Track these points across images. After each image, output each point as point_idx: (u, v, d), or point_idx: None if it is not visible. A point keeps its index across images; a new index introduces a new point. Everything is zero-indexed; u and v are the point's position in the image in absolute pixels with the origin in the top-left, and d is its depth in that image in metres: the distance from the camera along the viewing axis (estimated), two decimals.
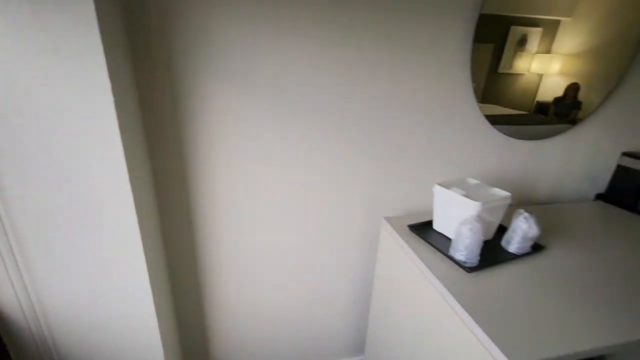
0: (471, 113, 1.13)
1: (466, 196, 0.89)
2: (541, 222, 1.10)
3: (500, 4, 1.02)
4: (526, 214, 0.90)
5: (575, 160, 1.30)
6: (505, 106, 1.28)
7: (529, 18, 1.18)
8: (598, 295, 0.77)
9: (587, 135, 1.26)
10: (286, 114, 0.98)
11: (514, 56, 1.24)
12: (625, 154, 1.25)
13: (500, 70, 1.25)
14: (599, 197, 1.34)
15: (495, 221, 0.94)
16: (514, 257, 0.90)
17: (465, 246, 0.84)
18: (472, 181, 1.01)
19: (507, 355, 0.59)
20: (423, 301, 0.87)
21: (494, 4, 1.01)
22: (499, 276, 0.83)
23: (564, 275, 0.84)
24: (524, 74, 1.25)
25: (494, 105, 1.28)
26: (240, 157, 0.99)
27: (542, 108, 1.23)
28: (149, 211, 0.89)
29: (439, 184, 0.96)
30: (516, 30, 1.25)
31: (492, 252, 0.92)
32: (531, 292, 0.78)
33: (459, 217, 0.86)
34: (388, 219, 1.08)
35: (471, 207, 0.86)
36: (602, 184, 1.35)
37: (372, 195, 1.16)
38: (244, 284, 1.17)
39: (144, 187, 0.85)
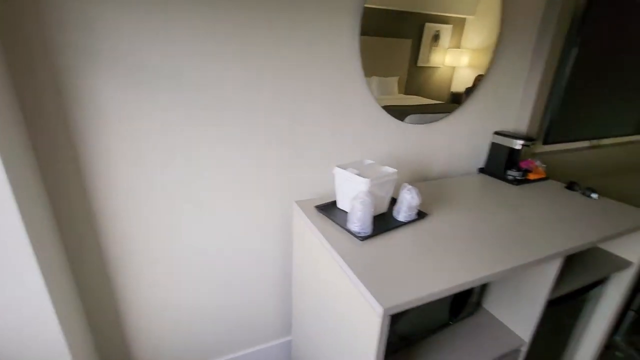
0: (367, 103, 1.25)
1: (359, 174, 1.00)
2: (432, 194, 1.28)
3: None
4: (409, 186, 1.04)
5: (460, 140, 1.52)
6: (425, 97, 1.43)
7: (440, 15, 1.33)
8: (468, 247, 0.94)
9: (467, 118, 1.49)
10: (185, 108, 0.99)
11: (430, 51, 1.38)
12: (496, 133, 1.50)
13: (420, 63, 1.38)
14: (481, 170, 1.59)
15: (386, 195, 1.07)
16: (402, 224, 1.05)
17: (358, 218, 0.95)
18: (368, 162, 1.14)
19: (379, 301, 0.71)
20: (327, 273, 0.97)
21: None
22: (388, 240, 0.96)
23: (442, 234, 1.01)
24: (439, 67, 1.41)
25: (414, 96, 1.43)
26: (140, 151, 0.99)
27: (456, 98, 1.42)
28: (39, 212, 0.84)
29: (337, 166, 1.07)
30: (430, 27, 1.39)
31: (385, 222, 1.05)
32: (412, 250, 0.92)
33: (353, 194, 0.97)
34: (298, 203, 1.17)
35: (362, 184, 0.98)
36: (482, 159, 1.59)
37: (285, 182, 1.23)
38: (159, 280, 1.17)
39: (28, 186, 0.81)
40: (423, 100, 1.41)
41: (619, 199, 1.65)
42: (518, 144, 1.40)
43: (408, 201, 1.04)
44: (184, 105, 0.99)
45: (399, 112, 1.36)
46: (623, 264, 1.26)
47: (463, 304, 1.13)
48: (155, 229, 1.09)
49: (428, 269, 0.84)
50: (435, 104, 1.41)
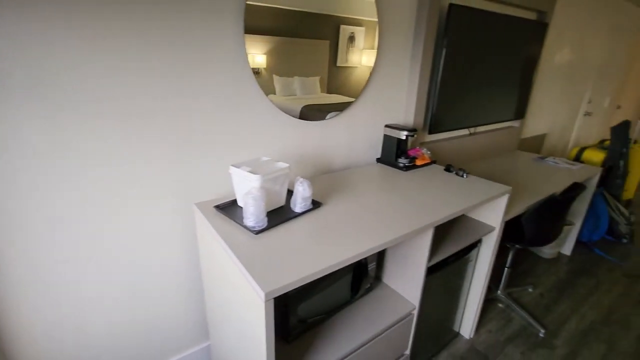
0: (262, 103, 1.30)
1: (251, 172, 1.04)
2: (332, 184, 1.37)
3: None
4: (301, 179, 1.12)
5: (357, 133, 1.66)
6: (345, 95, 1.53)
7: (354, 18, 1.44)
8: (355, 228, 1.05)
9: (361, 113, 1.63)
10: (73, 111, 0.92)
11: (347, 51, 1.48)
12: (386, 126, 1.67)
13: (339, 63, 1.47)
14: (378, 160, 1.76)
15: (281, 189, 1.14)
16: (298, 215, 1.12)
17: (252, 213, 0.99)
18: (264, 159, 1.18)
19: (261, 286, 0.76)
20: (226, 269, 0.99)
21: None
22: (284, 231, 1.02)
23: (333, 220, 1.10)
24: (357, 67, 1.52)
25: (335, 95, 1.52)
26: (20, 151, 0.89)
27: None
28: None
29: (232, 165, 1.09)
30: (345, 29, 1.47)
31: (282, 214, 1.11)
32: (304, 237, 0.99)
33: (247, 190, 1.01)
34: (198, 205, 1.16)
35: (254, 180, 1.02)
36: (378, 150, 1.77)
37: (185, 184, 1.21)
38: (54, 299, 1.07)
39: None
40: (343, 98, 1.53)
41: (485, 177, 1.97)
42: (403, 135, 1.59)
43: (301, 193, 1.11)
44: (70, 109, 0.92)
45: (318, 110, 1.47)
46: (488, 229, 1.52)
47: (360, 282, 1.25)
48: (42, 243, 0.99)
49: (316, 252, 0.92)
50: (351, 101, 1.54)
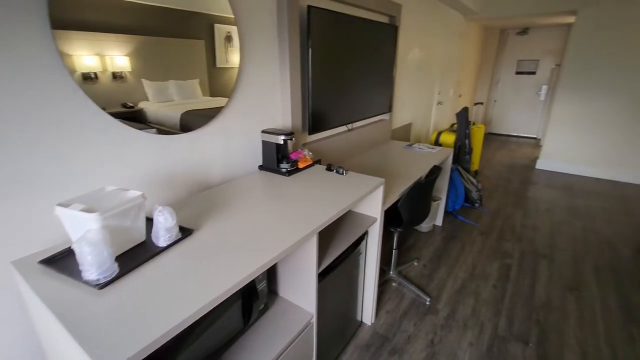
0: (100, 120, 1.05)
1: (85, 210, 0.82)
2: (210, 202, 1.22)
3: None
4: (160, 207, 0.94)
5: (234, 141, 1.53)
6: (230, 97, 1.40)
7: (228, 17, 1.33)
8: (237, 250, 0.93)
9: (235, 118, 1.51)
10: None
11: (226, 52, 1.34)
12: (263, 131, 1.60)
13: (218, 64, 1.35)
14: (260, 167, 1.67)
15: (135, 223, 0.94)
16: (162, 249, 0.94)
17: (90, 264, 0.78)
18: (109, 189, 0.96)
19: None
20: (63, 345, 0.75)
21: None
22: (146, 274, 0.84)
23: (210, 246, 0.96)
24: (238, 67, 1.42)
25: (220, 98, 1.40)
26: None
27: None
28: None
29: (58, 204, 0.84)
30: (221, 28, 1.32)
31: (144, 252, 0.92)
32: (171, 277, 0.83)
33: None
34: (15, 263, 0.87)
35: (90, 220, 0.81)
36: (260, 157, 1.68)
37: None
38: None
39: None
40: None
41: (365, 169, 2.09)
42: (280, 139, 1.54)
43: (162, 224, 0.94)
44: None
45: (201, 116, 1.34)
46: (371, 220, 1.60)
47: (251, 306, 1.15)
48: None
49: (189, 291, 0.77)
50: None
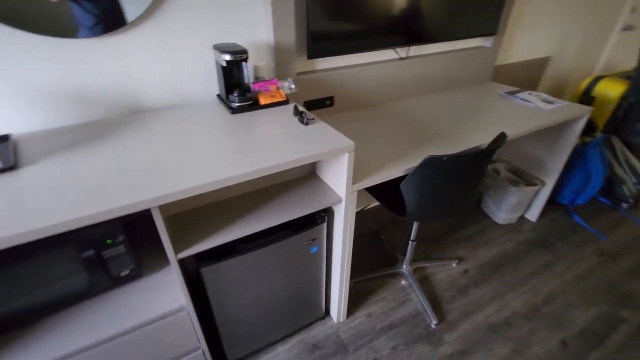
0: None
1: None
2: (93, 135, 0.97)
3: None
4: None
5: (179, 55, 1.17)
6: None
7: None
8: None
9: (179, 22, 1.12)
10: None
11: None
12: (214, 47, 1.14)
13: None
14: (218, 96, 1.28)
15: None
16: None
17: None
18: None
19: None
20: None
21: None
22: None
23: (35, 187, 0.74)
24: None
25: None
26: None
27: None
28: None
29: None
30: None
31: None
32: None
33: None
34: None
35: None
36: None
37: None
38: None
39: None
40: None
41: (399, 122, 1.43)
42: (223, 59, 1.08)
43: None
44: None
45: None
46: (335, 199, 1.07)
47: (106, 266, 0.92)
48: None
49: None
50: None
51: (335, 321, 1.44)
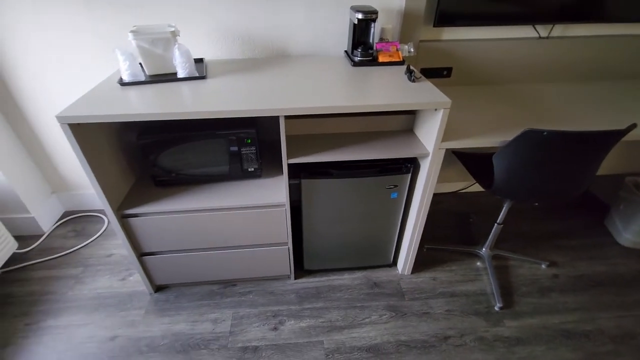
0: None
1: (133, 32, 1.17)
2: (256, 67, 1.35)
3: None
4: (178, 44, 1.16)
5: (319, 13, 1.42)
6: None
7: None
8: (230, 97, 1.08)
9: None
10: None
11: None
12: (352, 7, 1.35)
13: None
14: (345, 51, 1.50)
15: (166, 53, 1.21)
16: (182, 79, 1.20)
17: (125, 69, 1.16)
18: (168, 26, 1.26)
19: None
20: None
21: None
22: (161, 85, 1.16)
23: (215, 89, 1.15)
24: None
25: None
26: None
27: None
28: None
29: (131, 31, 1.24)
30: None
31: (169, 77, 1.22)
32: (179, 93, 1.11)
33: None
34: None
35: (130, 38, 1.15)
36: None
37: None
38: None
39: None
40: None
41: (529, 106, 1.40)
42: (355, 17, 1.28)
43: (178, 57, 1.17)
44: None
45: None
46: (423, 154, 1.19)
47: (241, 163, 1.29)
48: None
49: (187, 103, 1.04)
50: None
51: (400, 272, 1.58)
